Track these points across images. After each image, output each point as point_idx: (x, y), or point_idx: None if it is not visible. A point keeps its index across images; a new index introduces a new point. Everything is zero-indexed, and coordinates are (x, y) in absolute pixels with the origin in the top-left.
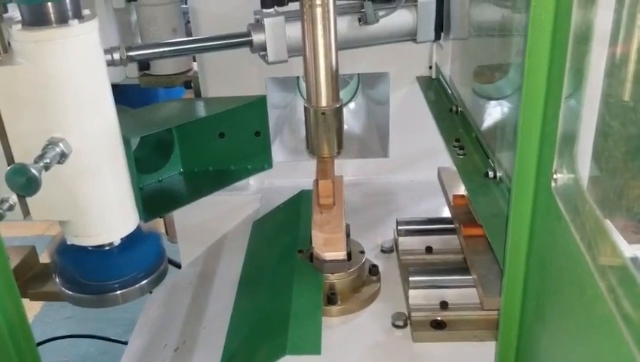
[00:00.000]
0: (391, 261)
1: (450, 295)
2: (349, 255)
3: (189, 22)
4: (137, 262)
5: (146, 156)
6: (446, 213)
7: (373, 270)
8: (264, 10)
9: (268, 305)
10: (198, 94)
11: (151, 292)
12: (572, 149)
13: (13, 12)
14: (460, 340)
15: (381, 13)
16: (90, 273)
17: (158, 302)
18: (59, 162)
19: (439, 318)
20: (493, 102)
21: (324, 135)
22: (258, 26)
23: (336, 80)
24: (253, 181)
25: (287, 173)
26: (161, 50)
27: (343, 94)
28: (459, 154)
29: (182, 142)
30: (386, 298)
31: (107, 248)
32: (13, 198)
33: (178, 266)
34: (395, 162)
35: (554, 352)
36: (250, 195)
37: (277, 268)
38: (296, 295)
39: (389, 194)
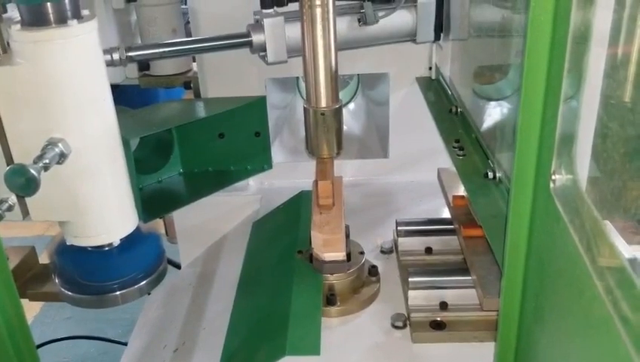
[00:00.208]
0: (390, 262)
1: (449, 296)
2: (348, 256)
3: (188, 22)
4: (137, 262)
5: (145, 156)
6: (446, 213)
7: (373, 271)
8: (264, 11)
9: (267, 306)
10: (197, 95)
11: (149, 294)
12: (571, 150)
13: (13, 12)
14: (459, 341)
15: (381, 13)
16: (89, 273)
17: (158, 302)
18: (58, 162)
19: (439, 319)
20: (492, 103)
21: (324, 135)
22: (258, 26)
23: (336, 80)
24: (252, 181)
25: (287, 173)
26: (161, 50)
27: (343, 95)
28: (458, 155)
29: (181, 142)
30: (385, 299)
31: (107, 249)
32: (13, 199)
33: (178, 267)
34: (394, 163)
35: (552, 353)
36: (250, 196)
37: (276, 268)
38: (296, 296)
39: (389, 195)
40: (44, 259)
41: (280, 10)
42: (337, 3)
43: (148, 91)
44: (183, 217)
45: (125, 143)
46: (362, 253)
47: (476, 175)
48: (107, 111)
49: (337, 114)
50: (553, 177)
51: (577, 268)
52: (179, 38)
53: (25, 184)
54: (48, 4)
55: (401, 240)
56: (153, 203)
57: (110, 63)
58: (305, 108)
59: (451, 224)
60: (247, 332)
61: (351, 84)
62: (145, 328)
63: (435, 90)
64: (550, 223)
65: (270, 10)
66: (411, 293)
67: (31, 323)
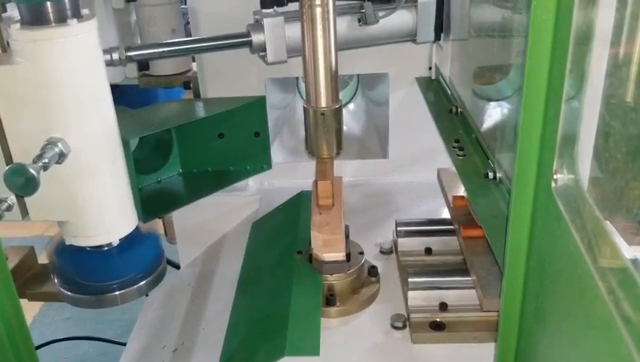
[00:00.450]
0: (390, 262)
1: (449, 296)
2: (348, 256)
3: (188, 22)
4: (136, 262)
5: (145, 157)
6: (445, 214)
7: (373, 271)
8: (263, 11)
9: (267, 306)
10: (197, 95)
11: (147, 295)
12: (572, 150)
13: (13, 11)
14: (459, 341)
15: (381, 13)
16: (88, 273)
17: (157, 302)
18: (57, 162)
19: (438, 320)
20: (493, 103)
21: (324, 136)
22: (257, 26)
23: (336, 81)
24: (252, 182)
25: (287, 173)
26: (161, 50)
27: (343, 95)
28: (458, 155)
29: (181, 142)
30: (385, 299)
31: (106, 249)
32: (12, 198)
33: (177, 267)
34: (394, 163)
35: (553, 353)
36: (250, 196)
37: (276, 269)
38: (295, 296)
39: (389, 195)
40: (43, 259)
41: (280, 10)
42: (337, 3)
43: (147, 91)
44: (183, 217)
45: (125, 143)
46: (362, 253)
47: (476, 175)
48: (107, 111)
49: (337, 114)
50: (555, 177)
51: (579, 268)
52: (178, 38)
53: (24, 184)
54: (48, 3)
55: (400, 240)
56: (152, 203)
57: (110, 63)
58: (305, 109)
59: (451, 224)
60: (247, 333)
61: (351, 85)
62: (144, 328)
63: (434, 90)
64: (551, 223)
65: (270, 10)
66: (411, 294)
67: (30, 324)
